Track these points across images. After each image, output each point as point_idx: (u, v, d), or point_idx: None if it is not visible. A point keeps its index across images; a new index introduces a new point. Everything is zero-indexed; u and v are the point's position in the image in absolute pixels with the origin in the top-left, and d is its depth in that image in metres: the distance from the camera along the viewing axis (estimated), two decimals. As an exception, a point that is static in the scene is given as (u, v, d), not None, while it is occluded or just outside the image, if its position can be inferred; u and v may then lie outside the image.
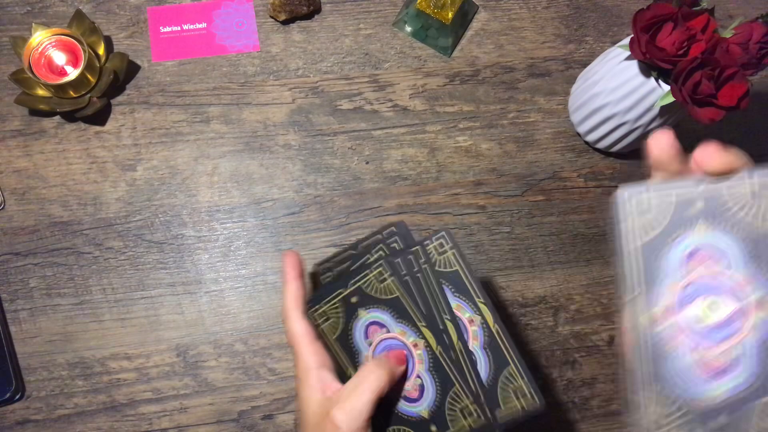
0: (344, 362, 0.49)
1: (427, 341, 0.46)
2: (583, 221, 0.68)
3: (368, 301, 0.47)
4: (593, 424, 0.64)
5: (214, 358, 0.61)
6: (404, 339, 0.47)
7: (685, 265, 0.34)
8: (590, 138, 0.68)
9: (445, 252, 0.47)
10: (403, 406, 0.47)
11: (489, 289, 0.65)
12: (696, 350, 0.33)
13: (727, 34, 0.55)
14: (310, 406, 0.45)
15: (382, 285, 0.47)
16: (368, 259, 0.49)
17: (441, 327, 0.46)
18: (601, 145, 0.68)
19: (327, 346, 0.49)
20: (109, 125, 0.67)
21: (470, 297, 0.46)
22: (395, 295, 0.46)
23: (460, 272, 0.46)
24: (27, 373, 0.60)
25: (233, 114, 0.68)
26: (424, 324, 0.46)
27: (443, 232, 0.47)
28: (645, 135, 0.63)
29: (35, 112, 0.66)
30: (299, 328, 0.48)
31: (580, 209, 0.68)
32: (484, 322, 0.46)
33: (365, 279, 0.47)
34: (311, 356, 0.47)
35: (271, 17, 0.71)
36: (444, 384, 0.46)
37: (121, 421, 0.59)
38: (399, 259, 0.47)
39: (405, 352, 0.47)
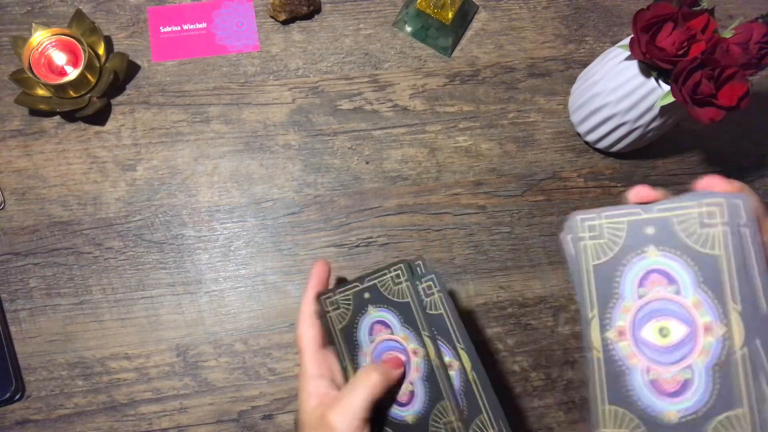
0: (344, 354, 0.50)
1: (426, 350, 0.46)
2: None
3: (380, 299, 0.48)
4: (593, 424, 0.64)
5: (214, 358, 0.61)
6: (405, 344, 0.47)
7: (637, 288, 0.35)
8: (590, 138, 0.68)
9: (432, 294, 0.46)
10: (391, 408, 0.48)
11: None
12: (649, 371, 0.34)
13: (727, 34, 0.55)
14: (305, 412, 0.46)
15: (396, 287, 0.47)
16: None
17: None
18: (601, 145, 0.68)
19: (332, 343, 0.50)
20: (109, 125, 0.67)
21: (451, 341, 0.45)
22: (406, 300, 0.46)
23: (444, 316, 0.46)
24: (27, 373, 0.60)
25: (233, 114, 0.68)
26: (427, 333, 0.46)
27: (432, 275, 0.46)
28: (645, 135, 0.63)
29: (35, 112, 0.66)
30: (309, 334, 0.49)
31: (580, 209, 0.68)
32: (462, 368, 0.45)
33: (382, 278, 0.47)
34: (313, 364, 0.48)
35: (271, 17, 0.71)
36: (434, 395, 0.46)
37: (121, 421, 0.59)
38: (419, 265, 0.47)
39: (402, 358, 0.47)
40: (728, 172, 0.71)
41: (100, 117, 0.67)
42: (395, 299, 0.47)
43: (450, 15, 0.70)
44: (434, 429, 0.46)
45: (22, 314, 0.61)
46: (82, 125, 0.67)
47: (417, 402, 0.47)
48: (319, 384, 0.47)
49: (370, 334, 0.49)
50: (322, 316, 0.50)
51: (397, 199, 0.67)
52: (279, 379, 0.61)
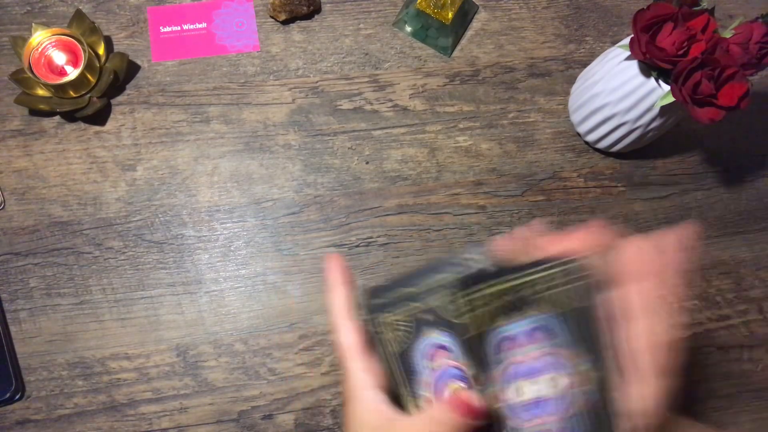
0: (399, 379, 0.42)
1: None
2: (582, 221, 0.68)
3: (442, 323, 0.39)
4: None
5: (214, 358, 0.61)
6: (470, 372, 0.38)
7: (508, 348, 0.36)
8: (590, 138, 0.68)
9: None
10: None
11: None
12: (528, 423, 0.35)
13: (727, 34, 0.55)
14: (363, 427, 0.41)
15: (487, 308, 0.37)
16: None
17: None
18: (601, 145, 0.68)
19: (381, 359, 0.43)
20: (109, 125, 0.67)
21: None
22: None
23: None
24: (27, 373, 0.60)
25: (233, 114, 0.68)
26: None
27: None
28: (645, 135, 0.63)
29: (35, 112, 0.66)
30: (351, 340, 0.42)
31: (580, 209, 0.68)
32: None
33: (450, 299, 0.38)
34: (366, 374, 0.41)
35: (271, 17, 0.71)
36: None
37: (121, 421, 0.59)
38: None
39: (473, 402, 0.37)
40: (728, 172, 0.71)
41: (100, 117, 0.67)
42: (455, 320, 0.38)
43: (450, 15, 0.70)
44: None
45: (22, 314, 0.61)
46: (82, 125, 0.67)
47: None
48: (378, 397, 0.40)
49: (427, 358, 0.40)
50: (372, 337, 0.42)
51: (397, 199, 0.67)
52: (279, 379, 0.61)
